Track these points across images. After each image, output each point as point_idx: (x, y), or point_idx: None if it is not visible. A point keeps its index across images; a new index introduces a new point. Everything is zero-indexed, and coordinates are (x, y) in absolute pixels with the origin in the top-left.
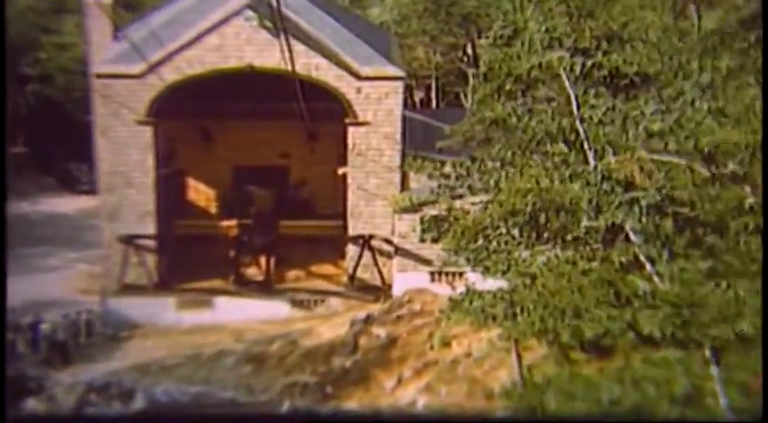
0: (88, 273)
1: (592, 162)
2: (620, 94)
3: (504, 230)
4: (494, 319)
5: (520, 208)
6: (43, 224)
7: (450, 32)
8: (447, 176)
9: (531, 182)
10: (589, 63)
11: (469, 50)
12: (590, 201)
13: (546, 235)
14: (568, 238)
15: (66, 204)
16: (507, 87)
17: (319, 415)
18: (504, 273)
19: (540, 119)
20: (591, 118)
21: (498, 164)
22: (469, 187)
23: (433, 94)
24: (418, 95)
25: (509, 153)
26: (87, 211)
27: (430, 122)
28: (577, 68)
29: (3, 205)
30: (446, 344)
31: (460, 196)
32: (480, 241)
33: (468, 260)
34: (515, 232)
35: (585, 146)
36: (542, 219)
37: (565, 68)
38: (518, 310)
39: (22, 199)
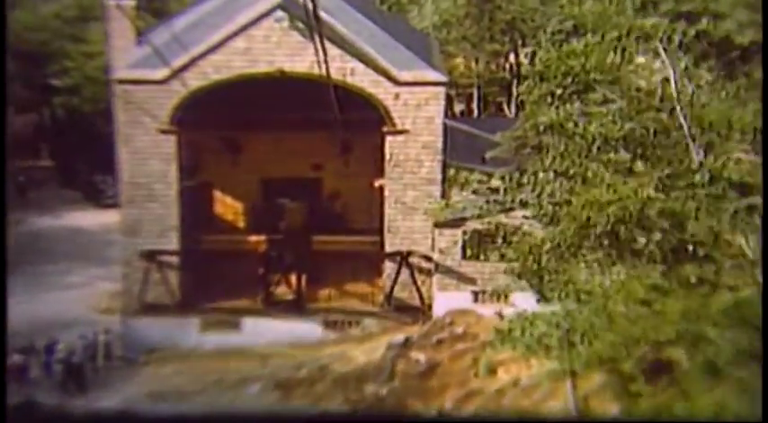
0: (110, 291)
1: (696, 159)
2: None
3: (573, 249)
4: (548, 349)
5: (596, 221)
6: (65, 239)
7: (493, 39)
8: (495, 190)
9: (609, 191)
10: (692, 31)
11: (512, 58)
12: (698, 209)
13: (622, 252)
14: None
15: (90, 219)
16: (561, 90)
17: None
18: (566, 296)
19: (600, 123)
20: (694, 101)
21: (552, 174)
22: (520, 201)
23: (474, 105)
24: (458, 107)
25: (565, 163)
26: (111, 225)
27: (472, 131)
28: (677, 38)
29: (3, 221)
30: (492, 371)
31: (510, 210)
32: (545, 262)
33: (531, 284)
34: (586, 250)
35: (689, 141)
36: (623, 233)
37: (662, 38)
38: (578, 338)
39: (45, 213)
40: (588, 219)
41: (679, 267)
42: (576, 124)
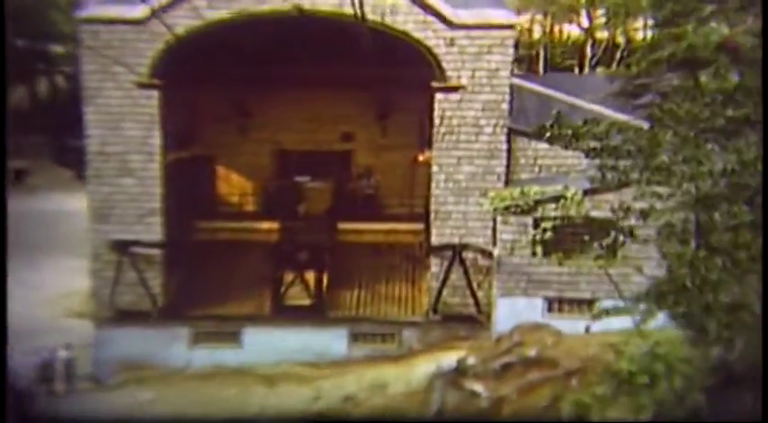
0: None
1: None
2: None
3: None
4: None
5: None
6: (44, 226)
7: None
8: (615, 153)
9: None
10: None
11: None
12: None
13: None
14: None
15: (79, 201)
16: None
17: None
18: None
19: None
20: None
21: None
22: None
23: (540, 69)
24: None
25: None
26: None
27: (543, 91)
28: None
29: (3, 220)
30: (582, 412)
31: (628, 185)
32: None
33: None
34: None
35: None
36: None
37: None
38: None
39: (32, 194)
40: None
41: None
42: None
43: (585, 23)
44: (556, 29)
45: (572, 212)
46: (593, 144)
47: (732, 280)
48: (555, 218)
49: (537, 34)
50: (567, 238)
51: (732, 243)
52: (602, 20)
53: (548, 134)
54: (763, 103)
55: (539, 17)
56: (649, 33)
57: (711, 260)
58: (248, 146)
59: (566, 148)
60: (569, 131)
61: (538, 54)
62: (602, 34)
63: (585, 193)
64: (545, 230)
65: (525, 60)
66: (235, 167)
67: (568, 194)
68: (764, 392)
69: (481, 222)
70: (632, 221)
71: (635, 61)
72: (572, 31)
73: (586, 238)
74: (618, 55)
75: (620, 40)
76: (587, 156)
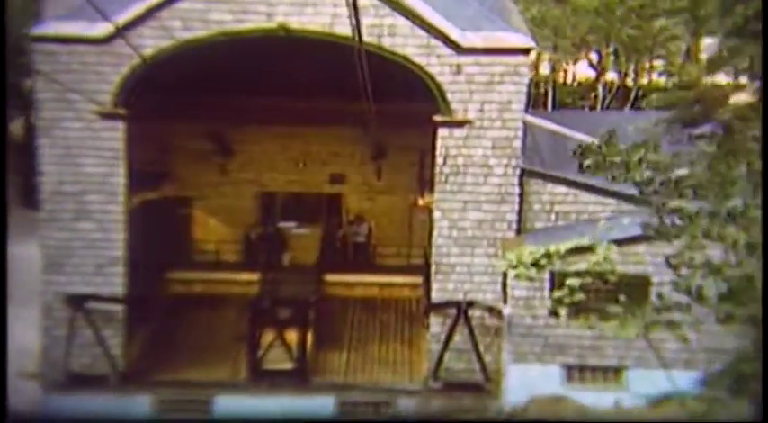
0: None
1: None
2: None
3: None
4: None
5: None
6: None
7: (575, 27)
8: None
9: None
10: None
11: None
12: None
13: None
14: None
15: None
16: None
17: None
18: None
19: None
20: None
21: None
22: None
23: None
24: None
25: None
26: None
27: (557, 129)
28: None
29: (4, 227)
30: None
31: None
32: None
33: None
34: None
35: None
36: None
37: None
38: None
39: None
40: None
41: None
42: None
43: (595, 59)
44: (564, 67)
45: (604, 268)
46: (649, 176)
47: None
48: (581, 274)
49: (544, 70)
50: (592, 297)
51: None
52: (612, 58)
53: (589, 161)
54: (763, 101)
55: (546, 53)
56: (655, 76)
57: None
58: (227, 187)
59: (613, 179)
60: (618, 159)
61: (546, 93)
62: (612, 75)
63: (618, 243)
64: (572, 290)
65: (531, 100)
66: (212, 211)
67: (599, 249)
68: (764, 392)
69: (489, 276)
70: (699, 280)
71: (692, 83)
72: (580, 72)
73: (622, 298)
74: (632, 96)
75: (631, 82)
76: (641, 192)
